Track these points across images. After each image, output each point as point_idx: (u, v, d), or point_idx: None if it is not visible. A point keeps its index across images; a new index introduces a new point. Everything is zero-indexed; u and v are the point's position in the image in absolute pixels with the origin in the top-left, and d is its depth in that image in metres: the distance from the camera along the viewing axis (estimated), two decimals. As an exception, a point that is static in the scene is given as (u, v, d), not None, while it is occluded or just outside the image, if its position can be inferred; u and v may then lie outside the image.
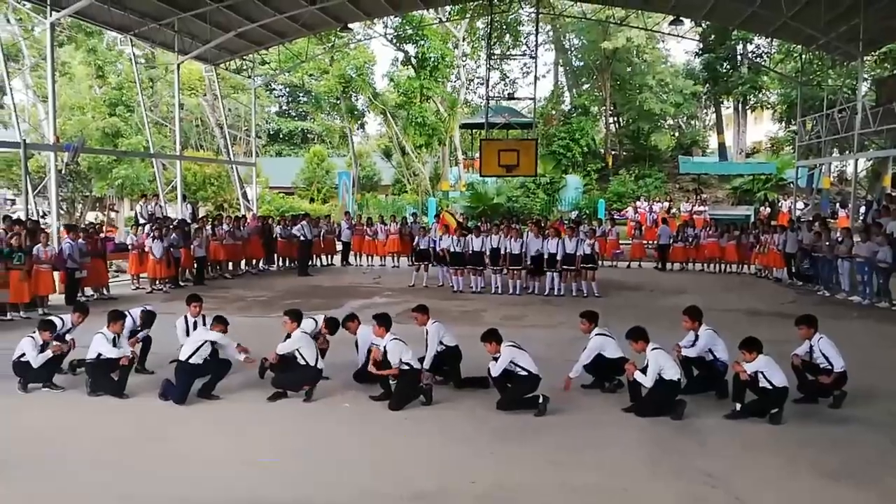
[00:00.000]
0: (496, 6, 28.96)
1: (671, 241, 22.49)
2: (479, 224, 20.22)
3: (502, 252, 17.26)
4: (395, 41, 39.99)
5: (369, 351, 8.84)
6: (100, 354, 8.69)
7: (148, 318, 9.84)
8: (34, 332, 8.93)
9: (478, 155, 30.97)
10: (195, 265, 19.32)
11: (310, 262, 22.17)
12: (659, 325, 9.76)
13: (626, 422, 7.91)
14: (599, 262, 18.37)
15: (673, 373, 8.01)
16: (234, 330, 9.66)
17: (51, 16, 19.01)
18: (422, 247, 19.02)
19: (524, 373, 8.25)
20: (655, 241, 23.39)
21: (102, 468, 6.60)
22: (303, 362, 8.76)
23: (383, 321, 8.83)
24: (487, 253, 17.42)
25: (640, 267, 22.99)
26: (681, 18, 27.47)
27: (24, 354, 8.78)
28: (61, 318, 9.37)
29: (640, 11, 33.42)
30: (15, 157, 31.62)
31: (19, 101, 31.01)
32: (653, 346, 8.14)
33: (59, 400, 8.69)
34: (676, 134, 50.14)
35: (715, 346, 8.73)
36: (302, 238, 21.79)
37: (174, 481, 6.32)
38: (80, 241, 15.92)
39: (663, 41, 44.82)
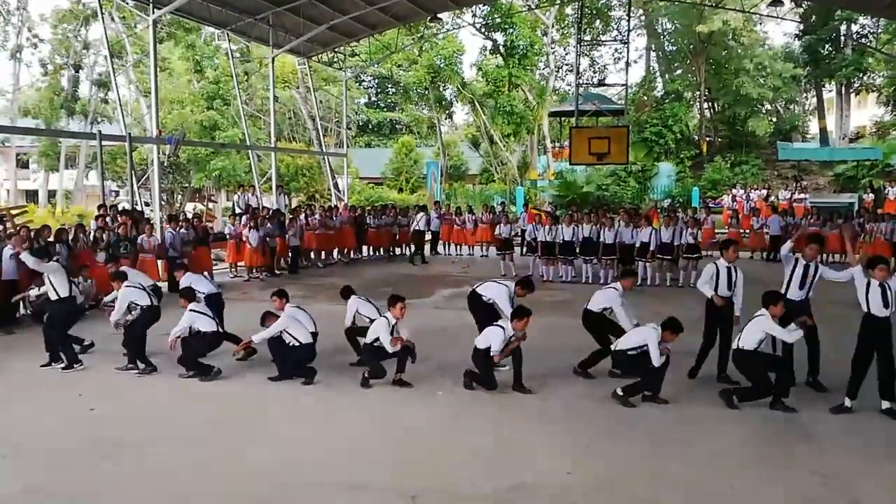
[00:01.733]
0: (586, -9, 28.51)
1: (782, 231, 21.56)
2: (570, 212, 19.96)
3: (594, 241, 17.04)
4: (483, 30, 39.85)
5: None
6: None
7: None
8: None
9: (567, 143, 30.62)
10: (290, 254, 19.78)
11: (420, 251, 22.41)
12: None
13: (725, 415, 7.71)
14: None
15: None
16: (328, 318, 9.86)
17: (153, 13, 19.72)
18: (503, 235, 19.04)
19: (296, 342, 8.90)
20: (765, 231, 22.15)
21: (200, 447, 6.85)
22: (295, 343, 8.98)
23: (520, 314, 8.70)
24: (578, 242, 17.21)
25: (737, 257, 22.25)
26: (781, -1, 26.40)
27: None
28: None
29: (737, -7, 32.29)
30: (119, 149, 33.13)
31: (123, 96, 32.38)
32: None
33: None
34: (775, 119, 48.32)
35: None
36: (417, 228, 22.20)
37: (267, 463, 6.50)
38: (182, 230, 16.52)
39: (761, 23, 43.11)
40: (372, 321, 9.11)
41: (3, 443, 6.99)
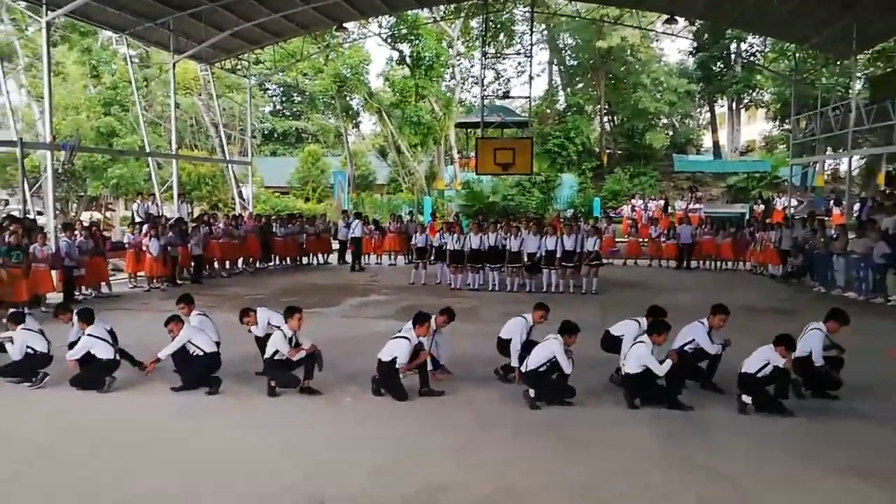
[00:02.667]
0: (490, 5, 29.02)
1: (692, 239, 22.36)
2: (477, 221, 20.26)
3: (500, 249, 17.35)
4: (389, 40, 39.95)
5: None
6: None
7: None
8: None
9: (473, 154, 31.02)
10: (192, 263, 19.32)
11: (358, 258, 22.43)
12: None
13: (626, 414, 7.98)
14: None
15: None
16: (233, 328, 9.72)
17: (46, 15, 18.92)
18: (419, 244, 19.14)
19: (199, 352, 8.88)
20: (675, 240, 22.78)
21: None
22: (199, 353, 8.92)
23: (421, 319, 8.81)
24: (485, 250, 17.47)
25: (635, 264, 23.09)
26: (675, 17, 27.53)
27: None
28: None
29: (634, 10, 33.52)
30: (9, 156, 31.52)
31: (14, 100, 30.93)
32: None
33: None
34: (671, 132, 50.28)
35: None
36: (353, 236, 22.37)
37: (170, 476, 6.36)
38: (80, 238, 15.95)
39: (657, 40, 44.92)
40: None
41: None
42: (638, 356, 8.24)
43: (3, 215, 16.82)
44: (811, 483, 6.30)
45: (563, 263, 16.95)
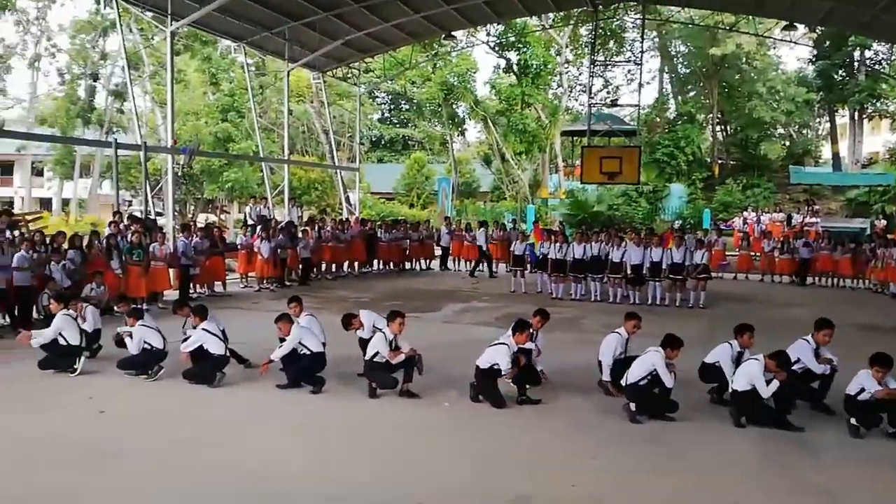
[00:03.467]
0: (600, 13, 28.60)
1: (811, 254, 21.49)
2: (581, 230, 20.01)
3: (603, 259, 17.08)
4: (497, 48, 40.06)
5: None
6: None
7: None
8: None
9: (578, 162, 30.70)
10: (301, 266, 19.88)
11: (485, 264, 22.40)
12: (767, 337, 9.42)
13: (732, 433, 7.71)
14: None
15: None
16: (337, 329, 9.92)
17: (171, 25, 19.98)
18: (517, 252, 18.95)
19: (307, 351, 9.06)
20: (791, 255, 21.93)
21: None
22: (306, 352, 9.12)
23: (521, 327, 8.79)
24: (588, 260, 17.23)
25: (746, 279, 22.28)
26: (794, 24, 26.44)
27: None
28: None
29: (750, 17, 32.44)
30: (134, 159, 33.40)
31: (139, 106, 32.72)
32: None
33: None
34: (787, 143, 48.34)
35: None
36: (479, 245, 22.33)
37: (265, 469, 6.54)
38: (196, 239, 16.67)
39: (775, 47, 43.26)
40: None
41: (13, 442, 7.09)
42: (748, 374, 7.94)
43: (126, 215, 17.77)
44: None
45: (670, 276, 16.54)
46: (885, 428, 7.66)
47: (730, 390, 8.25)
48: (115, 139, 21.78)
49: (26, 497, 6.00)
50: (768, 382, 7.81)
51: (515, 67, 39.54)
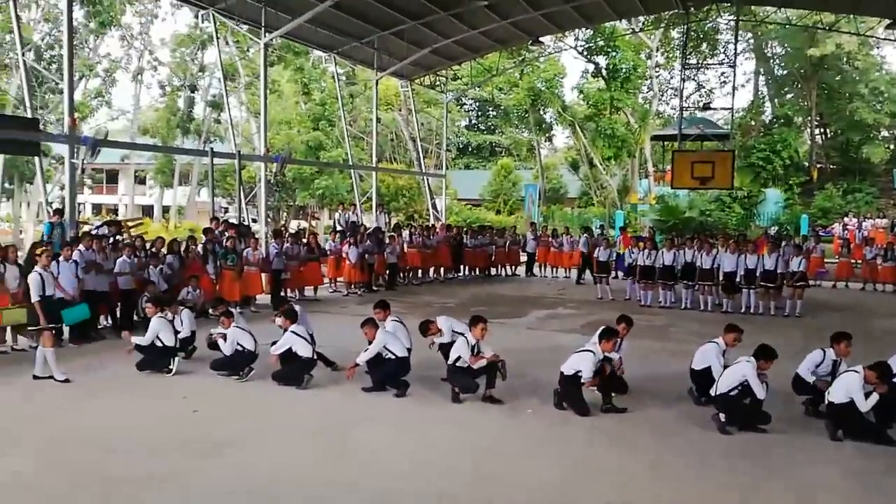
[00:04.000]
0: (692, 15, 27.99)
1: None
2: (671, 236, 19.57)
3: (695, 266, 16.65)
4: (585, 53, 39.71)
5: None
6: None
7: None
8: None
9: (669, 167, 30.09)
10: (388, 271, 20.13)
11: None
12: (868, 348, 9.02)
13: (828, 447, 7.40)
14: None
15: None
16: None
17: (265, 37, 20.61)
18: (601, 259, 18.81)
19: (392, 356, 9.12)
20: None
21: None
22: (391, 357, 9.19)
23: (608, 335, 8.69)
24: (679, 267, 16.84)
25: (846, 287, 21.32)
26: (899, 21, 25.21)
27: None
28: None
29: (851, 15, 31.13)
30: (230, 167, 34.47)
31: (234, 116, 33.89)
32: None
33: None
34: (891, 146, 46.13)
35: None
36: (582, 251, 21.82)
37: (351, 472, 6.65)
38: (287, 244, 17.09)
39: (878, 47, 41.37)
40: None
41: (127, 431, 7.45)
42: (846, 385, 7.62)
43: (222, 221, 18.40)
44: None
45: (763, 283, 16.00)
46: None
47: (825, 402, 7.93)
48: (212, 148, 22.62)
49: (148, 478, 6.39)
50: (867, 395, 7.48)
51: (604, 72, 39.11)
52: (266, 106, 21.11)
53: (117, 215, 49.16)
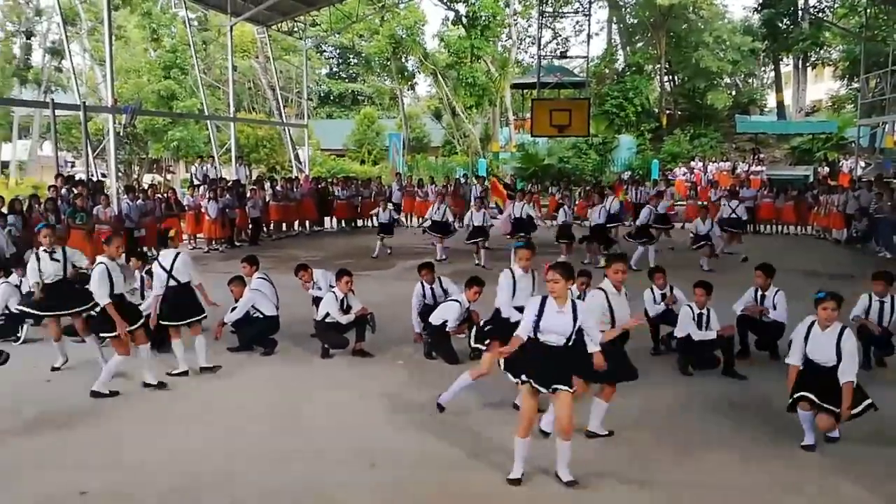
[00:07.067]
0: (548, -38, 28.47)
1: (754, 203, 21.78)
2: (525, 188, 19.89)
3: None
4: (445, 0, 39.55)
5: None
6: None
7: None
8: None
9: (529, 115, 30.67)
10: (250, 226, 19.65)
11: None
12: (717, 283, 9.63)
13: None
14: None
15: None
16: (288, 290, 9.87)
17: (107, -21, 19.26)
18: (476, 223, 16.14)
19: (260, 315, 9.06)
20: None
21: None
22: (259, 315, 9.11)
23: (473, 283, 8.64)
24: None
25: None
26: (740, -28, 26.57)
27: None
28: None
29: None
30: (74, 119, 32.44)
31: (77, 64, 31.67)
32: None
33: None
34: (733, 92, 48.87)
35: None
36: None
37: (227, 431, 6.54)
38: (140, 201, 16.32)
39: (722, -4, 43.53)
40: None
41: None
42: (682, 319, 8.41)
43: (69, 177, 17.31)
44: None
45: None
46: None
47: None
48: (53, 99, 21.11)
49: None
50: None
51: (464, 19, 39.12)
52: (112, 53, 19.78)
53: (-52, 173, 45.29)
